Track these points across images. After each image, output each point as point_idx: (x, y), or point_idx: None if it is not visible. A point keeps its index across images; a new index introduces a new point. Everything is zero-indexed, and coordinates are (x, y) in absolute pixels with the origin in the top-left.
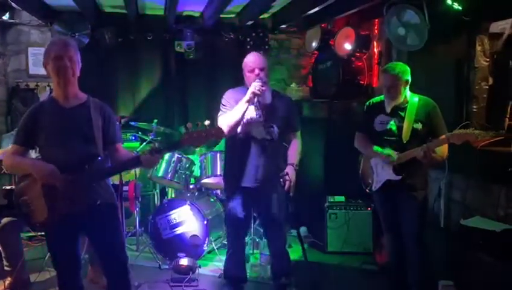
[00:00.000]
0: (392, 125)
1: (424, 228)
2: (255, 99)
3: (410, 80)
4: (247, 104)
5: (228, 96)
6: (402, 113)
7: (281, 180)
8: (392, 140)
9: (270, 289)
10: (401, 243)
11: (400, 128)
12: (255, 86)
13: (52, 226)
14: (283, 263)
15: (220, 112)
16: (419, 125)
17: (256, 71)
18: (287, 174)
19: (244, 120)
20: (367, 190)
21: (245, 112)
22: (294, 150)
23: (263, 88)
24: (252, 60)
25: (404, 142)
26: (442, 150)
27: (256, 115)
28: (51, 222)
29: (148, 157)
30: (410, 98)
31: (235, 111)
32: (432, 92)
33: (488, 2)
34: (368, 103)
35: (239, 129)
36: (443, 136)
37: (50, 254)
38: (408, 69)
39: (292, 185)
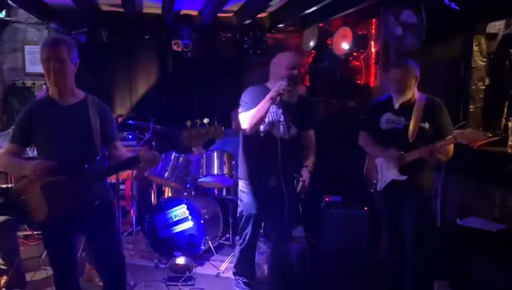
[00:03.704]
0: (399, 124)
1: (424, 228)
2: (278, 98)
3: (419, 77)
4: (270, 101)
5: (249, 93)
6: (409, 112)
7: (295, 181)
8: (398, 139)
9: (269, 288)
10: (401, 243)
11: (406, 127)
12: (280, 84)
13: (50, 225)
14: (285, 262)
15: (241, 109)
16: (426, 125)
17: (296, 71)
18: (302, 176)
19: (267, 119)
20: (371, 190)
21: (268, 109)
22: (309, 152)
23: (289, 88)
24: (293, 60)
25: (411, 141)
26: (448, 150)
27: (277, 113)
28: (51, 221)
29: (147, 157)
30: (418, 96)
31: (259, 108)
32: (429, 92)
33: (485, 3)
34: (374, 101)
35: (261, 128)
36: (451, 136)
37: (46, 252)
38: (417, 66)
39: (306, 187)
